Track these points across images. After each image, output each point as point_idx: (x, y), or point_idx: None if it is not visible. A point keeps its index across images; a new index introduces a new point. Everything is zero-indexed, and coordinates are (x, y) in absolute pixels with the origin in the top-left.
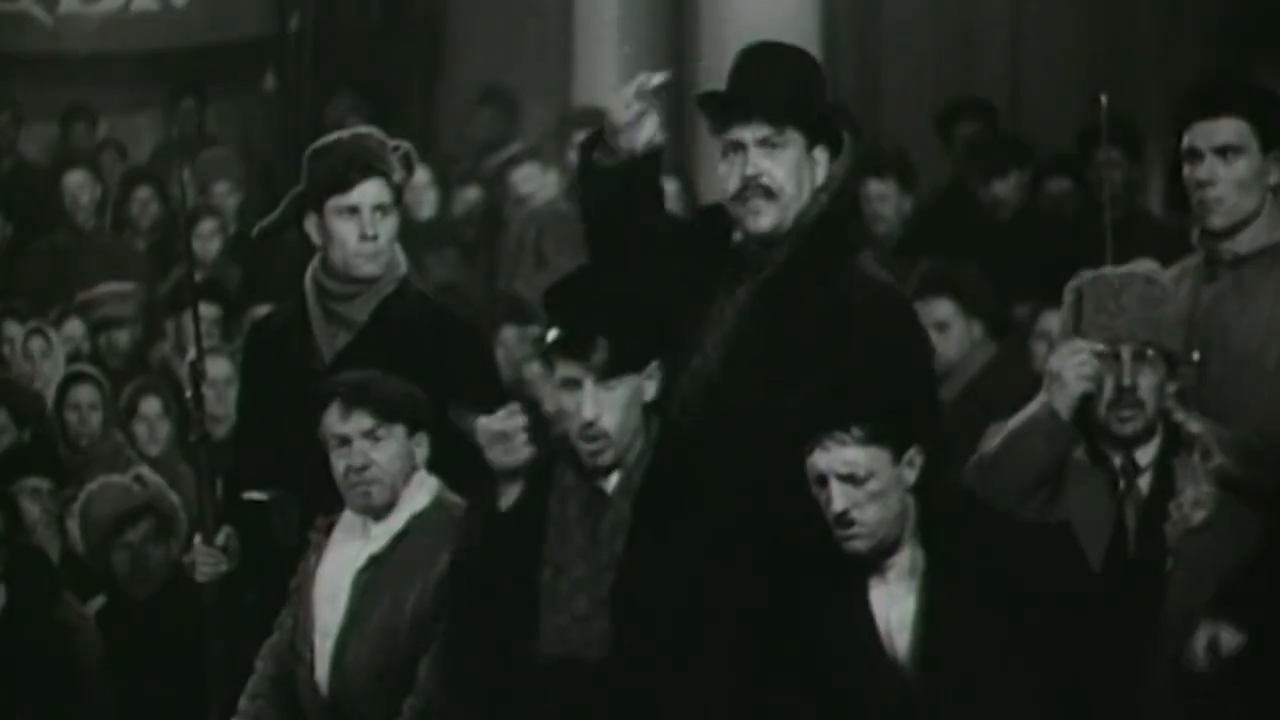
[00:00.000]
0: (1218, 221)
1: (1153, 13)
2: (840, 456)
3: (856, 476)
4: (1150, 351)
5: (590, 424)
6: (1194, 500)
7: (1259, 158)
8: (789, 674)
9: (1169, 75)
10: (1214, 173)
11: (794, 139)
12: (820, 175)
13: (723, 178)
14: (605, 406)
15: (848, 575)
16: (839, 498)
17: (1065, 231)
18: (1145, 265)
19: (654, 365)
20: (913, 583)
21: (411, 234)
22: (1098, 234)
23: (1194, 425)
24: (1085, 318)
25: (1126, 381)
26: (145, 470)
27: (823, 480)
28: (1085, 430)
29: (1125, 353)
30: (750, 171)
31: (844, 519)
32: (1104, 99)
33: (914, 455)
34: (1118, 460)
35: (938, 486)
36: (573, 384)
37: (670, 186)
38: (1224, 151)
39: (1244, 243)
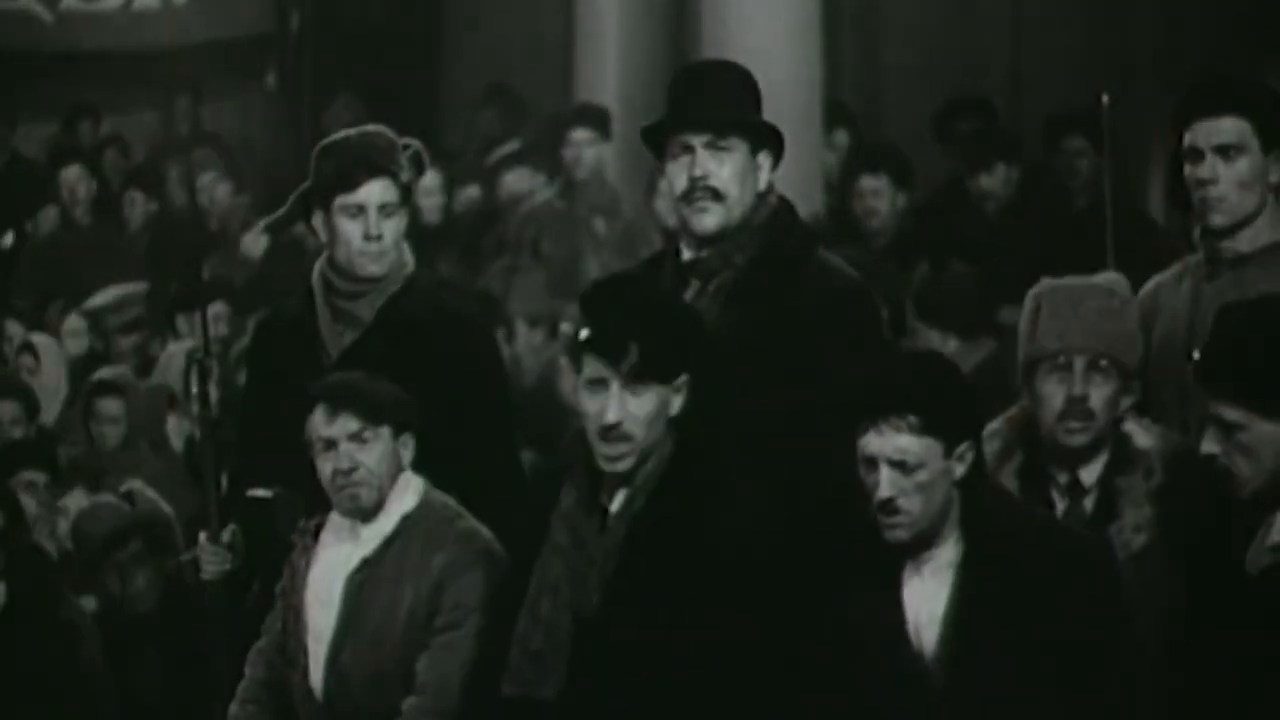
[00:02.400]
0: (1219, 220)
1: (1153, 11)
2: (894, 442)
3: (907, 464)
4: (1104, 363)
5: (613, 427)
6: (1134, 525)
7: (1260, 157)
8: (814, 665)
9: (1169, 74)
10: (1215, 172)
11: (738, 144)
12: (763, 180)
13: (671, 179)
14: (630, 411)
15: (881, 568)
16: (886, 485)
17: (1063, 228)
18: (1108, 276)
19: (683, 380)
20: (948, 577)
21: (420, 236)
22: (1081, 228)
23: (1142, 439)
24: (1041, 325)
25: (1078, 391)
26: (138, 484)
27: (871, 463)
28: (1025, 445)
29: (1079, 363)
30: (698, 173)
31: (889, 506)
32: (1105, 98)
33: (966, 450)
34: (1063, 478)
35: (983, 484)
36: (600, 384)
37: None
38: (1225, 150)
39: (1245, 241)
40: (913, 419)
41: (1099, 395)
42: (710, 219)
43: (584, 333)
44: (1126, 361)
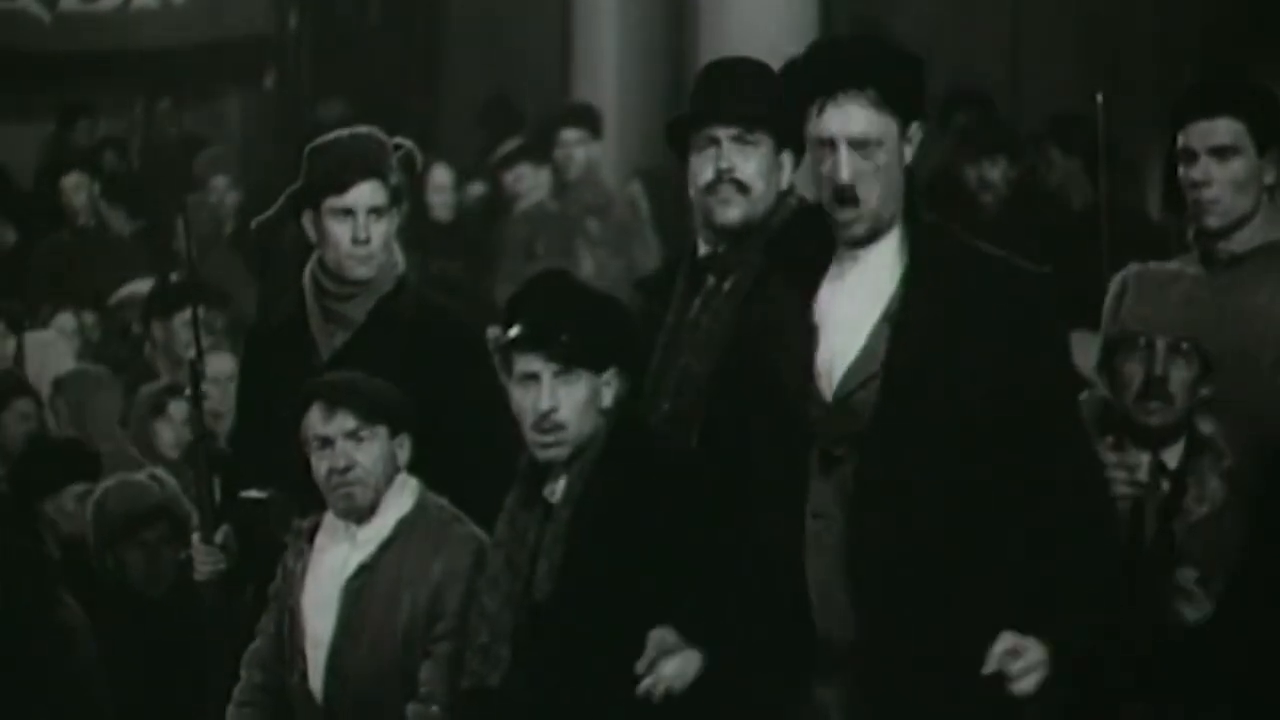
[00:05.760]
0: (1213, 222)
1: (1149, 11)
2: (852, 118)
3: (869, 143)
4: (1185, 346)
5: (547, 414)
6: (1196, 497)
7: (1254, 158)
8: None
9: (1165, 74)
10: (1209, 173)
11: (764, 140)
12: (785, 179)
13: (695, 171)
14: (563, 398)
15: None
16: (845, 168)
17: (1054, 224)
18: (1193, 267)
19: (612, 372)
20: (888, 278)
21: (430, 234)
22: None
23: (1206, 427)
24: (1125, 307)
25: (1159, 372)
26: (160, 471)
27: (829, 145)
28: (1111, 425)
29: (1160, 344)
30: (725, 165)
31: (847, 194)
32: (1100, 97)
33: (915, 131)
34: (1145, 458)
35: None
36: (532, 378)
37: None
38: (1219, 152)
39: (1240, 242)
40: (871, 93)
41: (1179, 378)
42: (734, 211)
43: (513, 331)
44: (1207, 347)
